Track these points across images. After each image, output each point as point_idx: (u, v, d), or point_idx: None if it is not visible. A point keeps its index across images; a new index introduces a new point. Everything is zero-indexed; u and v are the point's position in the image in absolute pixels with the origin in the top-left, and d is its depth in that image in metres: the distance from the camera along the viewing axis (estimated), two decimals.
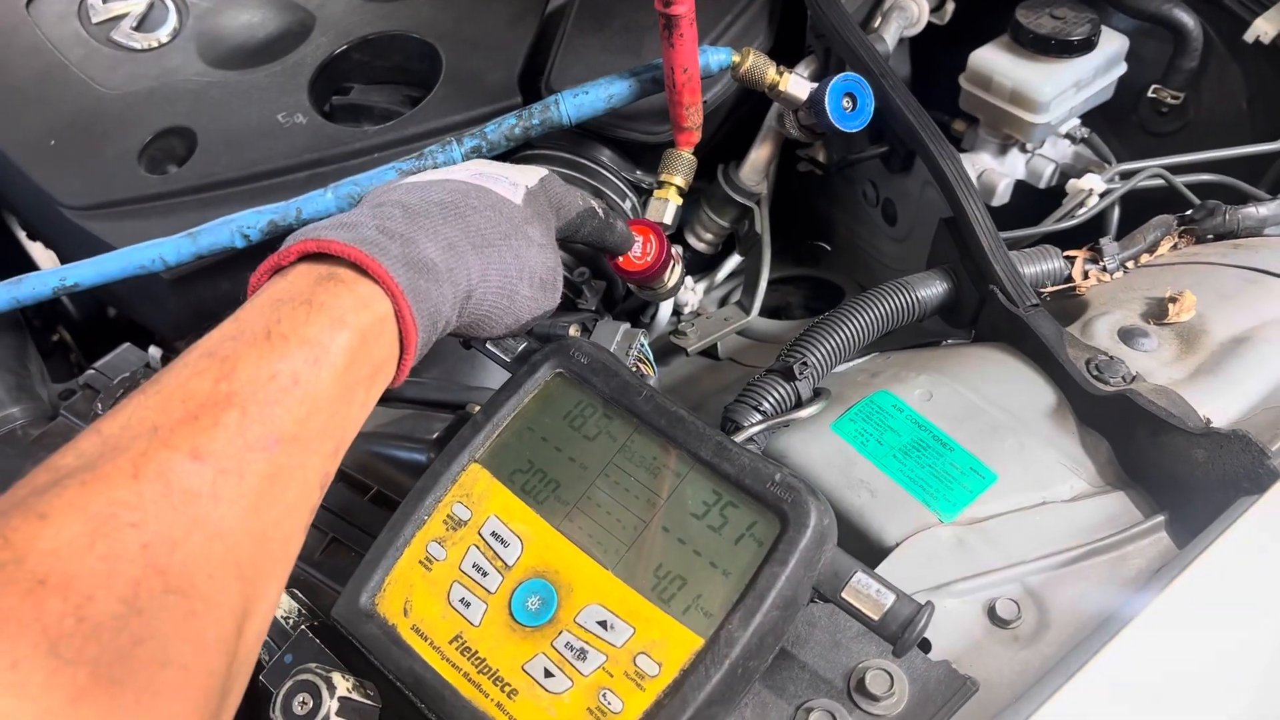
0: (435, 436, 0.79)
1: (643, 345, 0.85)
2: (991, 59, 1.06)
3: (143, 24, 1.11)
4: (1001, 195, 1.09)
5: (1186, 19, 1.12)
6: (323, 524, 0.74)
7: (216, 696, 0.42)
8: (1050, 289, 0.84)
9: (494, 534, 0.61)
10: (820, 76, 0.96)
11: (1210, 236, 0.91)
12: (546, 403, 0.65)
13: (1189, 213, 0.92)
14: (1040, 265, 0.84)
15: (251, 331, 0.48)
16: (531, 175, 0.68)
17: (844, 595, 0.57)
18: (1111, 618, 0.60)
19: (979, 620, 0.63)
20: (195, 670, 0.40)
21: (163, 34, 1.09)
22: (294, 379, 0.47)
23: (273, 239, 0.85)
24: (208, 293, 0.94)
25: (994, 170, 1.10)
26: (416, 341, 0.54)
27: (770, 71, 0.88)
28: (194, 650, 0.40)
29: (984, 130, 1.11)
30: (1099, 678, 0.55)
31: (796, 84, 0.89)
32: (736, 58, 0.88)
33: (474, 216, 0.60)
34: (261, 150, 0.97)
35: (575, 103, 0.87)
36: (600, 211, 0.73)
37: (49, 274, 0.86)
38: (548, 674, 0.57)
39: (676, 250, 0.93)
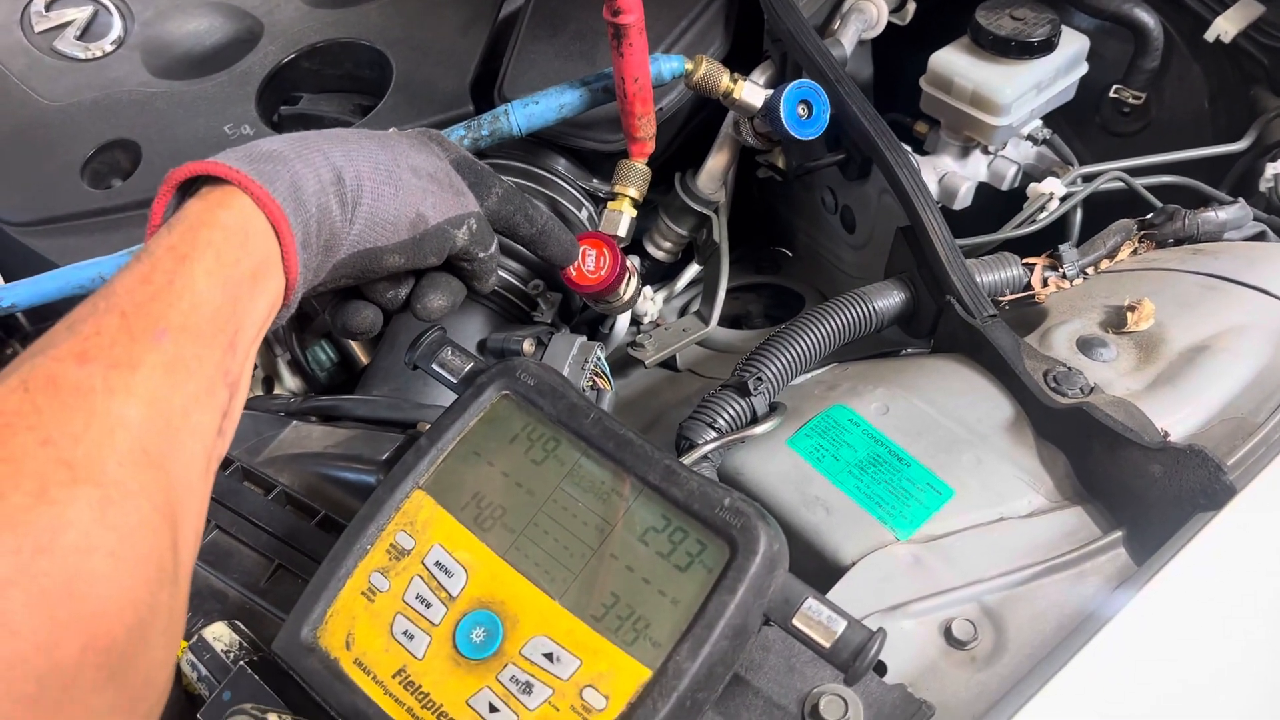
0: (385, 457, 0.77)
1: (599, 359, 0.84)
2: (951, 61, 1.05)
3: (86, 33, 1.08)
4: (963, 199, 1.08)
5: (1147, 18, 1.11)
6: (268, 550, 0.72)
7: (152, 585, 0.43)
8: (1009, 297, 0.83)
9: (438, 563, 0.60)
10: (777, 82, 0.95)
11: (1170, 241, 0.90)
12: (492, 426, 0.63)
13: (1149, 217, 0.91)
14: (998, 273, 0.83)
15: (126, 265, 0.50)
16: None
17: (794, 622, 0.55)
18: (1069, 638, 0.59)
19: (935, 642, 0.62)
20: (124, 556, 0.41)
21: (106, 43, 1.07)
22: (168, 280, 0.48)
23: None
24: None
25: (956, 173, 1.09)
26: (288, 221, 0.54)
27: (724, 79, 0.87)
28: (118, 537, 0.41)
29: (945, 133, 1.10)
30: (1057, 700, 0.54)
31: (751, 91, 0.88)
32: (689, 66, 0.87)
33: (327, 130, 0.61)
34: None
35: (525, 113, 0.85)
36: (528, 202, 0.72)
37: None
38: (493, 709, 0.55)
39: (632, 262, 0.92)
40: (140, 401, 0.45)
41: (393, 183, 0.61)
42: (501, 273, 0.92)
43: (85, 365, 0.44)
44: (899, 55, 1.16)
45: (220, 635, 0.62)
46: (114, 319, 0.46)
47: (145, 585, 0.42)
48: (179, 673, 0.63)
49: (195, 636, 0.61)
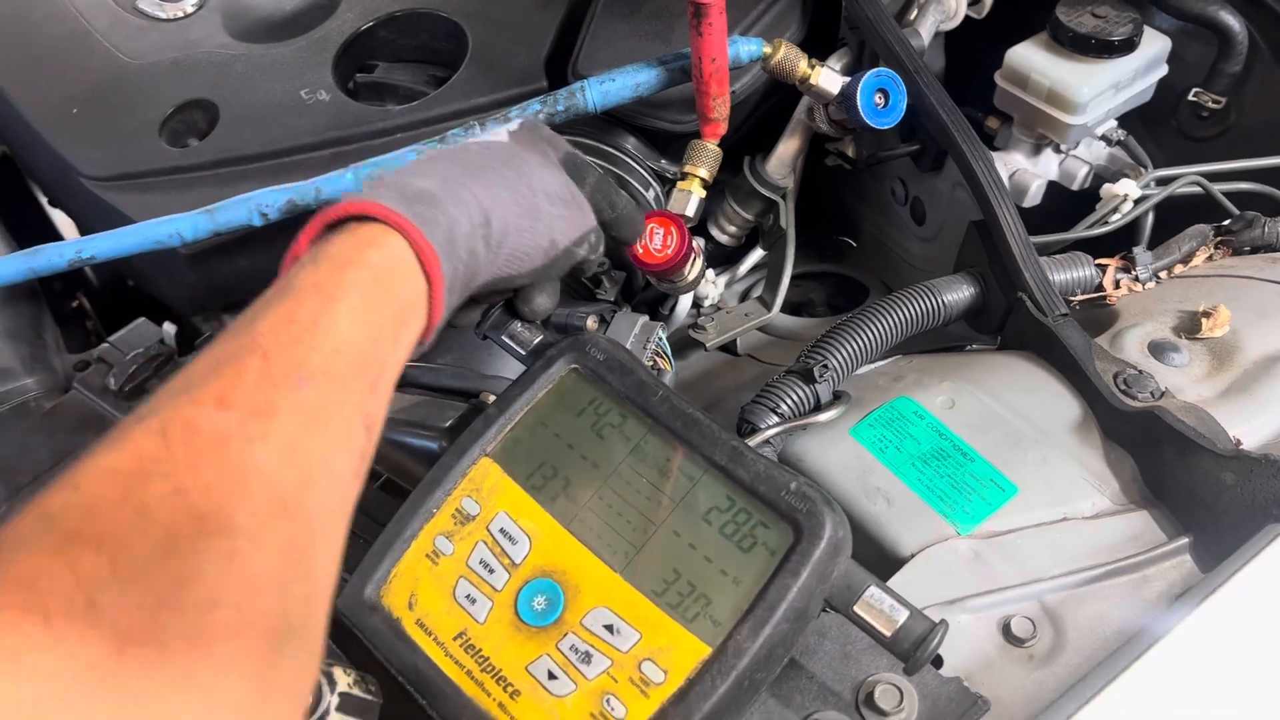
0: (448, 425, 0.78)
1: (660, 339, 0.84)
2: (1029, 57, 1.04)
3: None
4: (1033, 196, 1.07)
5: (1232, 21, 1.09)
6: None
7: (277, 640, 0.41)
8: (1080, 297, 0.82)
9: (502, 531, 0.60)
10: (853, 70, 0.94)
11: (1247, 249, 0.88)
12: (560, 399, 0.64)
13: (1226, 223, 0.90)
14: (1070, 273, 0.82)
15: (266, 296, 0.49)
16: (511, 124, 0.68)
17: (856, 609, 0.55)
18: (1130, 642, 0.59)
19: (993, 638, 0.62)
20: (249, 610, 0.40)
21: (188, 4, 1.08)
22: (312, 320, 0.47)
23: (291, 218, 0.84)
24: (225, 269, 0.93)
25: (1027, 171, 1.07)
26: (440, 268, 0.53)
27: (802, 64, 0.86)
28: (245, 590, 0.40)
29: (1018, 129, 1.09)
30: (1115, 704, 0.53)
31: (828, 78, 0.87)
32: (767, 49, 0.86)
33: (464, 155, 0.61)
34: (284, 127, 0.96)
35: (601, 90, 0.85)
36: (612, 188, 0.71)
37: (65, 246, 0.85)
38: (551, 676, 0.56)
39: (698, 243, 0.92)
40: (276, 449, 0.43)
41: (531, 215, 0.61)
42: None
43: (225, 411, 0.43)
44: (973, 49, 1.15)
45: None
46: (256, 361, 0.45)
47: (270, 640, 0.40)
48: None
49: None
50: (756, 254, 1.07)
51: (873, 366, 0.83)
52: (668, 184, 0.96)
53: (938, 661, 0.60)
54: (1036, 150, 1.09)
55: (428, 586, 0.60)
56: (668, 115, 0.94)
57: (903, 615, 0.55)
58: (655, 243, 0.81)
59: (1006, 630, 0.62)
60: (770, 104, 1.01)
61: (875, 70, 0.85)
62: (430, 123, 0.94)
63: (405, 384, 0.85)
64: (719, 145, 0.89)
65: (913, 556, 0.66)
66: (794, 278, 1.02)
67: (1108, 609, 0.62)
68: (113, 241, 0.84)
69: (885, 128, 0.87)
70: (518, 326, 0.70)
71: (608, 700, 0.54)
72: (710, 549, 0.57)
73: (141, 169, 0.95)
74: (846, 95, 0.86)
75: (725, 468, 0.58)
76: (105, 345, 0.87)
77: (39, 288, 0.98)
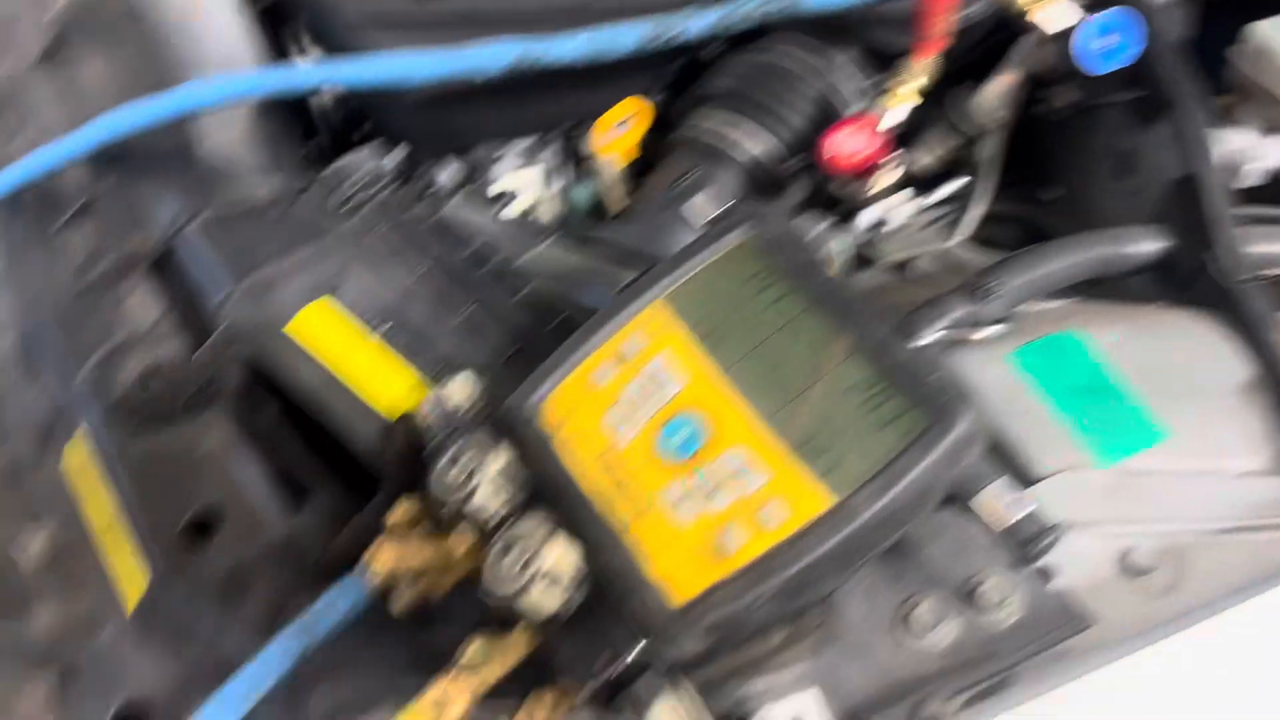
0: (623, 287, 0.83)
1: (835, 245, 0.87)
2: (1272, 34, 0.99)
3: None
4: (1245, 179, 1.02)
5: None
6: (510, 336, 0.79)
7: None
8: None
9: (660, 368, 0.65)
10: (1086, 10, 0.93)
11: None
12: (733, 262, 0.67)
13: None
14: (1275, 245, 0.80)
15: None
16: None
17: (978, 498, 0.58)
18: (1252, 588, 0.59)
19: (1111, 565, 0.63)
20: None
21: None
22: None
23: (515, 74, 0.90)
24: (448, 119, 1.00)
25: (1247, 151, 1.03)
26: None
27: None
28: None
29: (1249, 108, 1.04)
30: (1213, 639, 0.54)
31: (1056, 14, 0.86)
32: None
33: None
34: None
35: None
36: None
37: (314, 69, 0.94)
38: (677, 504, 0.60)
39: (893, 158, 0.93)
40: None
41: None
42: (765, 144, 0.96)
43: None
44: (1215, 21, 1.10)
45: (461, 388, 0.69)
46: None
47: None
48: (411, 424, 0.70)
49: (444, 382, 0.69)
50: (953, 185, 1.07)
51: (1046, 305, 0.83)
52: None
53: (1050, 575, 0.61)
54: (1266, 134, 1.04)
55: (582, 408, 0.65)
56: (887, 33, 0.95)
57: (1022, 511, 0.57)
58: (847, 146, 0.83)
59: (1125, 559, 0.62)
60: (993, 40, 1.01)
61: (1105, 13, 0.84)
62: (662, 7, 0.97)
63: (595, 240, 0.90)
64: (934, 64, 0.90)
65: (1044, 479, 0.67)
66: (985, 216, 1.02)
67: (1238, 562, 0.62)
68: (355, 70, 0.93)
69: (1105, 73, 0.86)
70: (702, 198, 0.74)
71: (725, 532, 0.58)
72: (850, 418, 0.59)
73: (391, 14, 1.03)
74: (1072, 36, 0.85)
75: (874, 349, 0.61)
76: (331, 167, 0.96)
77: (290, 111, 1.08)
